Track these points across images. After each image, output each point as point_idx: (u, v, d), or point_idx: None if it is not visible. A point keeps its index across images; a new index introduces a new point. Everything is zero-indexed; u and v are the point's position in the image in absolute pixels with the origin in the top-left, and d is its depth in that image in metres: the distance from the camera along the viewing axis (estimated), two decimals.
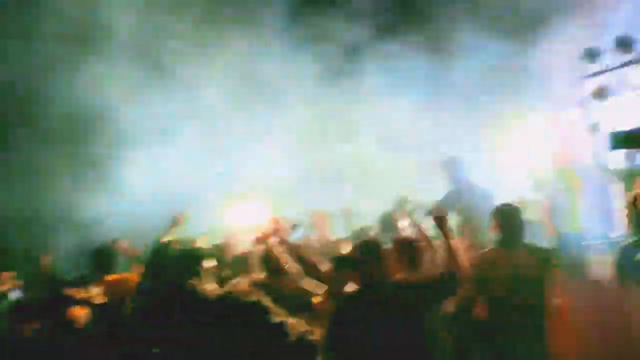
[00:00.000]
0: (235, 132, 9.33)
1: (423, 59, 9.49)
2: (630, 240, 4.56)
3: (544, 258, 4.22)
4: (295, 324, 2.91)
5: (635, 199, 4.67)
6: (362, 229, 6.45)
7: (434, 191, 7.21)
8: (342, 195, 8.68)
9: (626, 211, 6.78)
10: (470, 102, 9.75)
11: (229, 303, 3.04)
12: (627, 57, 7.61)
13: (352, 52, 9.79)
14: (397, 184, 8.21)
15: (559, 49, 10.92)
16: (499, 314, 4.12)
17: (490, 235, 4.52)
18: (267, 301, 3.00)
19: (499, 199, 5.47)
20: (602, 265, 7.28)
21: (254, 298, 2.95)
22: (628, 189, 6.55)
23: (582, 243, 6.96)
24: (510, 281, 4.11)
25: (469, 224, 5.91)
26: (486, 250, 4.43)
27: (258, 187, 7.65)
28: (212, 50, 9.21)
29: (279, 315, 2.87)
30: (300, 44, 9.20)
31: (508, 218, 4.33)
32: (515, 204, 4.51)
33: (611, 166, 7.10)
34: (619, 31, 7.84)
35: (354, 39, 9.74)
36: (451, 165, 7.18)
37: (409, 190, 7.45)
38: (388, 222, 6.15)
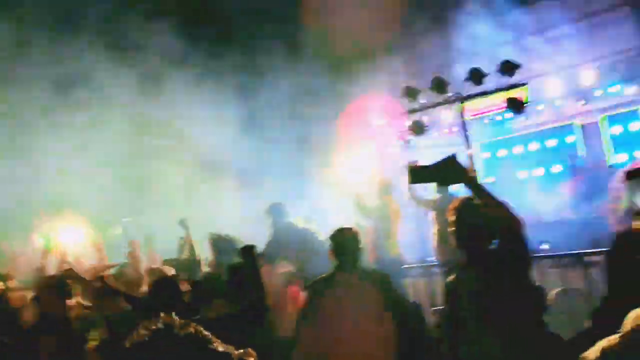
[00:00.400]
0: (46, 148, 8.35)
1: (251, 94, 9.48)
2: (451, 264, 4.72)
3: (379, 281, 4.14)
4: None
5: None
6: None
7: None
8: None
9: (436, 238, 7.25)
10: (292, 132, 9.86)
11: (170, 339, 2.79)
12: (441, 97, 8.21)
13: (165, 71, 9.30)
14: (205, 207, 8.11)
15: (381, 86, 11.68)
16: (332, 340, 3.92)
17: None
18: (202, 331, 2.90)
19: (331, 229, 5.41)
20: (417, 287, 7.72)
21: (191, 330, 2.84)
22: (439, 218, 6.98)
23: (401, 267, 7.29)
24: (343, 305, 3.95)
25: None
26: (323, 275, 4.24)
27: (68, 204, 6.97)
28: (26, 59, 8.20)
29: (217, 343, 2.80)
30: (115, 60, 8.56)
31: (342, 243, 4.22)
32: (351, 229, 4.40)
33: (426, 196, 7.55)
34: (434, 73, 8.45)
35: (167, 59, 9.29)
36: (274, 210, 6.98)
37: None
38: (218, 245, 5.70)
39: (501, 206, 2.39)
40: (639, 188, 1.61)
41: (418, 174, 2.63)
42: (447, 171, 2.45)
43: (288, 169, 8.99)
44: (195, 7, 10.24)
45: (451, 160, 2.49)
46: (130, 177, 8.78)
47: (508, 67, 7.80)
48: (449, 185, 2.76)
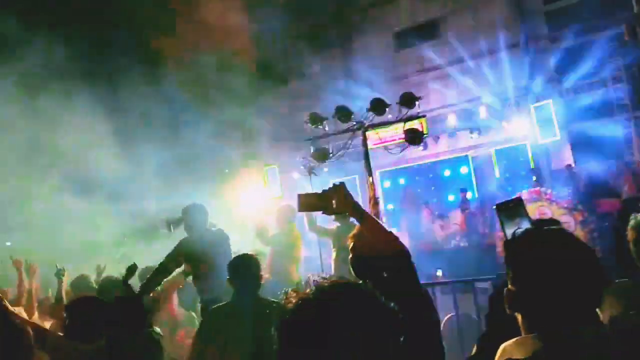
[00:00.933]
0: None
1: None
2: None
3: (276, 312, 4.04)
4: None
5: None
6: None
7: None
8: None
9: (334, 266, 7.28)
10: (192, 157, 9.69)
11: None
12: (346, 125, 8.36)
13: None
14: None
15: (282, 111, 11.75)
16: None
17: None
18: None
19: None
20: None
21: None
22: (337, 245, 6.99)
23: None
24: (242, 332, 3.83)
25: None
26: (222, 303, 4.10)
27: None
28: None
29: None
30: None
31: (240, 268, 4.11)
32: (250, 255, 4.30)
33: (329, 224, 7.58)
34: (339, 101, 8.59)
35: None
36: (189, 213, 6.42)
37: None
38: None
39: (388, 237, 2.41)
40: (507, 219, 1.70)
41: (306, 201, 2.62)
42: (333, 200, 2.44)
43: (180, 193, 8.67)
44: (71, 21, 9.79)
45: (338, 189, 2.47)
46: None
47: (408, 99, 8.10)
48: (334, 214, 2.73)
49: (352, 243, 2.68)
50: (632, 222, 1.94)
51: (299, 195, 2.61)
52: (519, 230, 1.55)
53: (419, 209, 12.79)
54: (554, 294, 1.37)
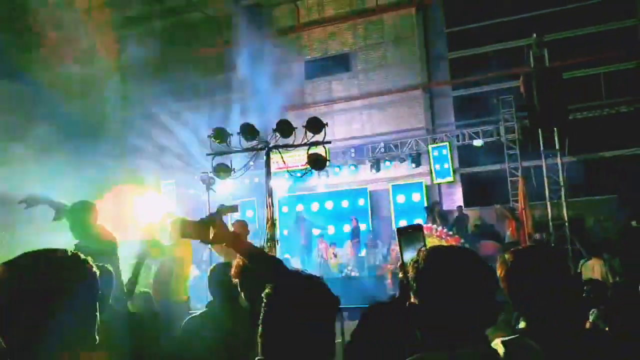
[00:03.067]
0: None
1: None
2: None
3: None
4: None
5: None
6: None
7: None
8: None
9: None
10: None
11: None
12: (251, 143, 8.15)
13: None
14: None
15: (190, 126, 11.36)
16: None
17: None
18: None
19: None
20: None
21: None
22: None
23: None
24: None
25: None
26: None
27: None
28: None
29: None
30: None
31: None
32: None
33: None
34: (245, 118, 8.40)
35: None
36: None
37: None
38: None
39: (268, 266, 2.38)
40: (405, 244, 1.70)
41: (185, 228, 2.50)
42: (210, 229, 2.39)
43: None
44: None
45: (213, 221, 2.42)
46: None
47: (314, 124, 8.05)
48: (211, 244, 2.63)
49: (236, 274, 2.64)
50: (500, 260, 1.99)
51: (179, 220, 2.50)
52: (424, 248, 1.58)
53: (311, 236, 12.79)
54: (452, 309, 1.38)
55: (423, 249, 1.62)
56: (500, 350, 1.39)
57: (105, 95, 10.56)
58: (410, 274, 1.47)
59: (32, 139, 8.52)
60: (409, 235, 1.90)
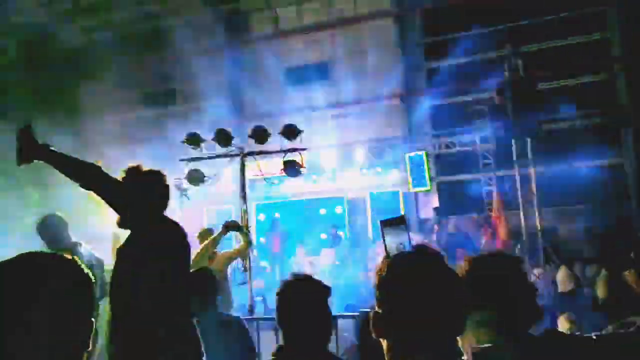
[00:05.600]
0: None
1: None
2: None
3: None
4: None
5: None
6: None
7: None
8: None
9: None
10: None
11: None
12: (224, 149, 8.11)
13: None
14: None
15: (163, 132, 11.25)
16: None
17: None
18: None
19: None
20: None
21: None
22: None
23: None
24: None
25: None
26: None
27: None
28: None
29: None
30: None
31: None
32: None
33: None
34: (219, 124, 8.35)
35: None
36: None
37: None
38: None
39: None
40: (389, 234, 1.68)
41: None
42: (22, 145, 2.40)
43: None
44: None
45: (24, 133, 2.41)
46: None
47: (290, 132, 8.05)
48: (25, 160, 2.53)
49: None
50: (457, 267, 2.01)
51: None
52: (394, 253, 1.53)
53: (286, 244, 12.75)
54: (417, 318, 1.34)
55: (398, 251, 1.59)
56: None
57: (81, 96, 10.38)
58: (374, 282, 1.44)
59: None
60: (393, 226, 1.87)
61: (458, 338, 1.38)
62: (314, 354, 2.39)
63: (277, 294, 2.41)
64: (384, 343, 1.40)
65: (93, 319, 1.32)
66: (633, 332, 2.24)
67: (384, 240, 1.73)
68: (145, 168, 3.02)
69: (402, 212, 13.23)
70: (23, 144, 2.49)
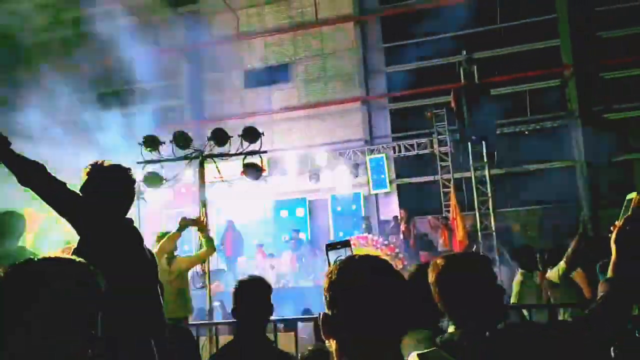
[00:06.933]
0: None
1: None
2: None
3: None
4: None
5: None
6: None
7: None
8: None
9: None
10: None
11: None
12: (184, 152, 8.02)
13: None
14: None
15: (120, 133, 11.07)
16: None
17: None
18: None
19: None
20: None
21: None
22: None
23: None
24: None
25: None
26: None
27: None
28: None
29: None
30: None
31: None
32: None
33: None
34: (181, 126, 8.27)
35: None
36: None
37: None
38: None
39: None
40: (334, 258, 1.75)
41: None
42: None
43: None
44: None
45: None
46: None
47: (251, 133, 8.02)
48: None
49: None
50: (431, 264, 2.07)
51: None
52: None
53: (240, 246, 12.70)
54: (362, 320, 1.38)
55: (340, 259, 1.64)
56: None
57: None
58: (324, 284, 1.47)
59: None
60: (338, 250, 1.95)
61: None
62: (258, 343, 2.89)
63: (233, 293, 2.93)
64: (333, 343, 1.44)
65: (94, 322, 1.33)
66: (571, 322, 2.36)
67: (328, 261, 1.81)
68: (110, 163, 2.92)
69: (363, 214, 13.39)
70: None
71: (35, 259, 1.32)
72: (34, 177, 2.67)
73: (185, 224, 5.52)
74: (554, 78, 13.04)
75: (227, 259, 12.66)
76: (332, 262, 1.84)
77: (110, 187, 2.85)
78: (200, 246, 6.24)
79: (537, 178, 11.91)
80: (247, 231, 13.24)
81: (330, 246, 1.92)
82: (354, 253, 1.94)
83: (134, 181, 3.00)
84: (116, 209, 2.87)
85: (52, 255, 1.35)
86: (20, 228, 4.51)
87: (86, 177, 2.85)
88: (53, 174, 2.72)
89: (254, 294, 2.88)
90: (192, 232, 7.93)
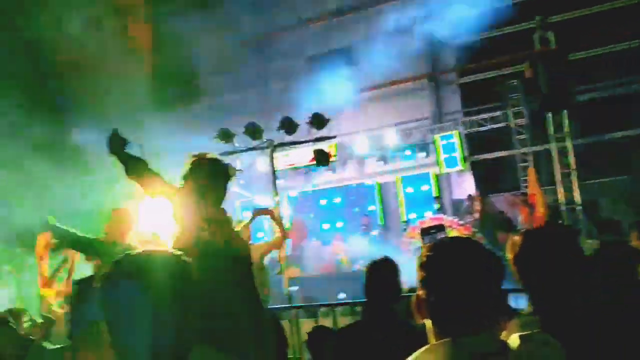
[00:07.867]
0: None
1: None
2: None
3: None
4: None
5: None
6: None
7: None
8: None
9: None
10: None
11: None
12: (255, 142, 8.12)
13: None
14: None
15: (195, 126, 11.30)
16: None
17: None
18: None
19: None
20: None
21: None
22: None
23: None
24: None
25: None
26: None
27: None
28: None
29: None
30: None
31: None
32: None
33: None
34: (250, 119, 8.36)
35: None
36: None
37: None
38: None
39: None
40: (427, 242, 1.72)
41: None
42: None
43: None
44: None
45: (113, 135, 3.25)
46: None
47: (319, 120, 7.99)
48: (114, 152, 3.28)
49: None
50: (509, 243, 1.92)
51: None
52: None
53: (325, 233, 12.76)
54: (458, 299, 1.40)
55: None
56: (515, 343, 1.37)
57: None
58: (417, 266, 1.49)
59: None
60: (432, 234, 1.99)
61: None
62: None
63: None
64: (428, 323, 1.46)
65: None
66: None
67: (424, 245, 1.75)
68: (212, 155, 3.21)
69: (435, 194, 13.05)
70: (111, 143, 3.22)
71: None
72: (139, 171, 3.14)
73: (257, 214, 5.60)
74: (637, 38, 12.08)
75: (293, 246, 12.73)
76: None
77: (210, 179, 3.06)
78: (273, 234, 6.34)
79: (624, 146, 11.14)
80: (318, 216, 13.29)
81: (425, 231, 1.93)
82: (447, 236, 1.87)
83: (230, 174, 3.28)
84: (214, 199, 3.09)
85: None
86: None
87: (190, 167, 3.08)
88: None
89: (384, 274, 3.11)
90: (264, 221, 7.98)
